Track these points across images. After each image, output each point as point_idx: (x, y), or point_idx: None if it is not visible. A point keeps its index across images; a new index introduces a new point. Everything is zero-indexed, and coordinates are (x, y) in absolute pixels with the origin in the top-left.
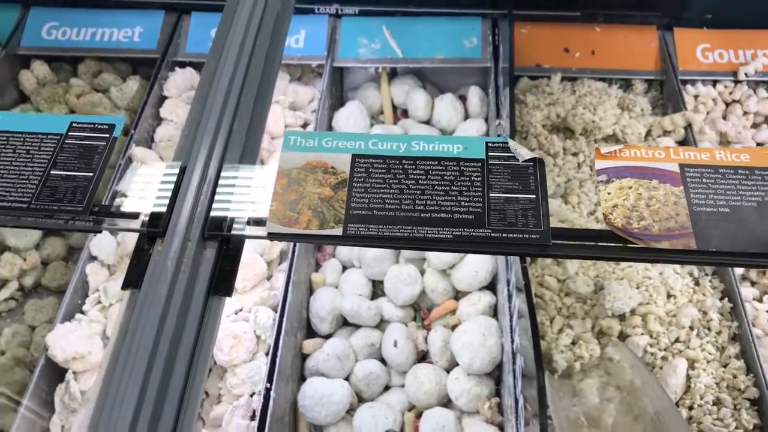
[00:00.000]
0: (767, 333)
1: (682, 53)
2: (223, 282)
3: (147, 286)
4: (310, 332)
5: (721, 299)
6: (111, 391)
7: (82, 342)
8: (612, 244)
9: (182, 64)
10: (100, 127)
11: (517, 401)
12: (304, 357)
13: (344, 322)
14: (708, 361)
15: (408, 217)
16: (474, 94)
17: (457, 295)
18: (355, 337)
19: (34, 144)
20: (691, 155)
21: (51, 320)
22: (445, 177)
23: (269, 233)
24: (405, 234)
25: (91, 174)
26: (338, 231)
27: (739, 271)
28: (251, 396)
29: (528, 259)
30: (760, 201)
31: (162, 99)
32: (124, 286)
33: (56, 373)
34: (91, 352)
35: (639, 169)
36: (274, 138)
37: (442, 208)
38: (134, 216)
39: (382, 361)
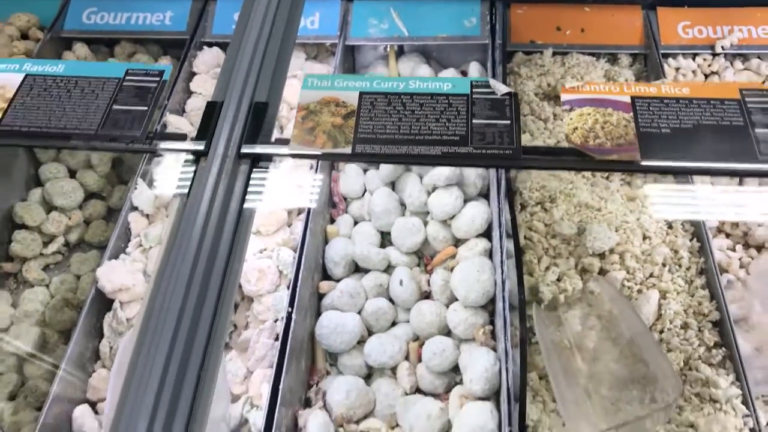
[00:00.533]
0: (739, 278)
1: (665, 29)
2: (255, 191)
3: (194, 193)
4: (326, 277)
5: (691, 240)
6: (165, 278)
7: (127, 276)
8: (572, 158)
9: (209, 44)
10: (151, 72)
11: (505, 321)
12: (320, 297)
13: (356, 269)
14: (678, 292)
15: (405, 139)
16: (474, 68)
17: (457, 242)
18: (365, 279)
19: (97, 86)
20: (641, 89)
21: (94, 270)
22: (436, 108)
23: (292, 153)
24: (402, 152)
25: (146, 108)
26: (348, 150)
27: (713, 224)
28: (275, 322)
29: (518, 205)
30: (695, 124)
31: (191, 75)
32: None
33: (103, 305)
34: (135, 284)
35: (597, 101)
36: (293, 109)
37: (434, 132)
38: (182, 138)
39: (390, 300)
